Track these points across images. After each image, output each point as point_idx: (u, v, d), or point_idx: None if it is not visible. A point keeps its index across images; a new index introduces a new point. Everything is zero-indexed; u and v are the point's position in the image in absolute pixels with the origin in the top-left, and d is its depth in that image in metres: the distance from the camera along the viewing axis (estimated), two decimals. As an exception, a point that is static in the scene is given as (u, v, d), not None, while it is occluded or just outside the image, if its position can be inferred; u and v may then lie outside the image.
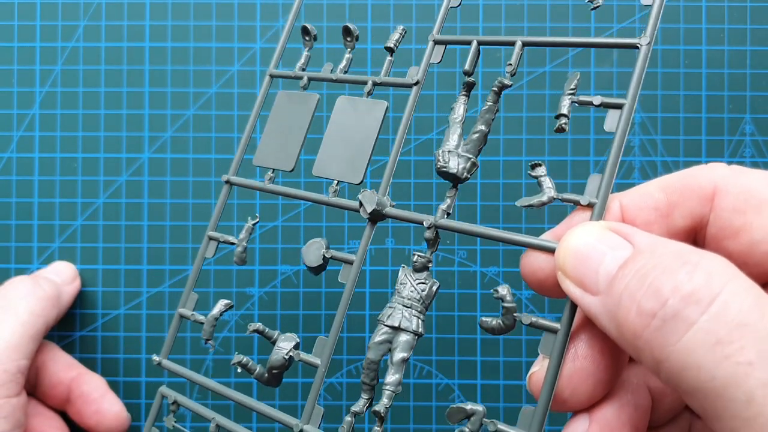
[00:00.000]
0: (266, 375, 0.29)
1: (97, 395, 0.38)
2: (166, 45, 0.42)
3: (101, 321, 0.41)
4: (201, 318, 0.31)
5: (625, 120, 0.26)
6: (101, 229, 0.41)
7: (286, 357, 0.29)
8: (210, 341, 0.31)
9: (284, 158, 0.32)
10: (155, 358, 0.32)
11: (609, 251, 0.21)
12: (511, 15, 0.42)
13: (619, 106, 0.27)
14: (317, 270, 0.29)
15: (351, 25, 0.32)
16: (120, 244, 0.41)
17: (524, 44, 0.28)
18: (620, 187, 0.41)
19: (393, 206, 0.28)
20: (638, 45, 0.27)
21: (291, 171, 0.31)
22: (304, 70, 0.33)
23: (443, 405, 0.32)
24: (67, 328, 0.41)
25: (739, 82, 0.41)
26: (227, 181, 0.33)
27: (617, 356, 0.23)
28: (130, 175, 0.41)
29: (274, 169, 0.32)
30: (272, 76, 0.34)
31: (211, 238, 0.32)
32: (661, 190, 0.24)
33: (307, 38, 0.33)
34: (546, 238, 0.25)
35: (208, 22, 0.42)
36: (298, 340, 0.29)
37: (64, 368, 0.38)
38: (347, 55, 0.32)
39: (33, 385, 0.38)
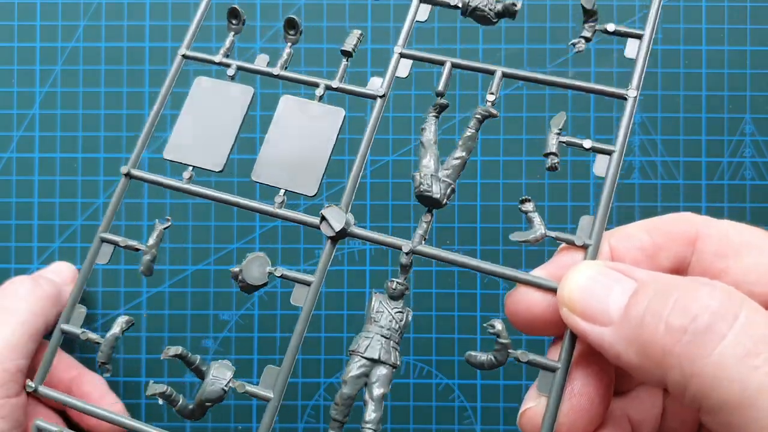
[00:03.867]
0: (192, 408, 0.25)
1: (97, 395, 0.38)
2: (166, 45, 0.42)
3: (101, 321, 0.41)
4: (94, 337, 0.27)
5: (615, 166, 0.26)
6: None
7: (225, 389, 0.25)
8: (107, 365, 0.27)
9: (209, 156, 0.28)
10: (30, 383, 0.27)
11: (616, 285, 0.22)
12: (511, 15, 0.42)
13: (609, 153, 0.27)
14: (255, 289, 0.27)
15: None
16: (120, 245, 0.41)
17: (504, 75, 0.28)
18: (621, 188, 0.41)
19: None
20: (626, 96, 0.27)
21: (220, 172, 0.28)
22: (227, 56, 0.30)
23: (443, 405, 0.32)
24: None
25: (739, 82, 0.41)
26: (127, 174, 0.29)
27: (609, 391, 0.24)
28: (130, 175, 0.41)
29: (194, 167, 0.29)
30: (185, 57, 0.30)
31: (103, 240, 0.29)
32: (647, 232, 0.25)
33: (234, 22, 0.30)
34: (539, 275, 0.25)
35: (208, 22, 0.42)
36: (233, 368, 0.26)
37: (64, 368, 0.38)
38: (287, 50, 0.30)
39: None
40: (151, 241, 0.28)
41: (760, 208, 0.41)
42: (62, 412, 0.38)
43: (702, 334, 0.20)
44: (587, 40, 0.28)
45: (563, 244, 0.25)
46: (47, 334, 0.38)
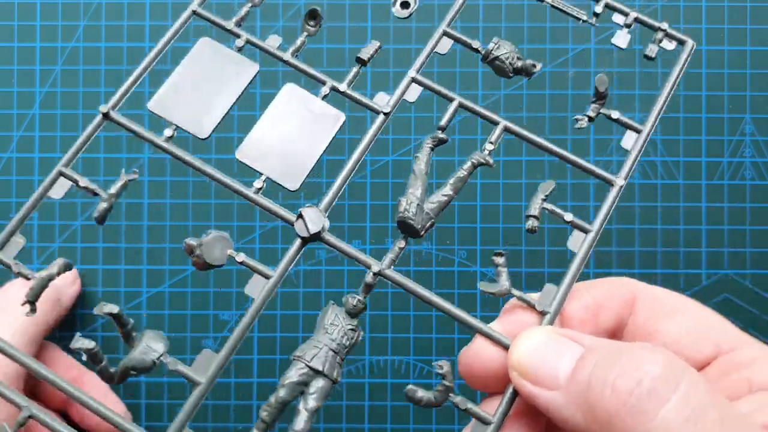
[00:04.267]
0: (113, 371, 0.24)
1: (98, 396, 0.38)
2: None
3: (101, 321, 0.41)
4: (26, 272, 0.25)
5: (588, 245, 0.27)
6: (101, 229, 0.41)
7: (156, 361, 0.24)
8: (33, 305, 0.25)
9: (196, 120, 0.27)
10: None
11: (564, 350, 0.23)
12: (511, 15, 0.42)
13: (586, 231, 0.27)
14: (209, 268, 0.26)
15: (318, 9, 0.29)
16: (120, 244, 0.41)
17: (505, 129, 0.28)
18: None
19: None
20: (613, 182, 0.28)
21: (204, 139, 0.27)
22: (240, 26, 0.29)
23: (443, 405, 0.32)
24: (67, 328, 0.41)
25: (739, 82, 0.41)
26: (105, 114, 0.27)
27: None
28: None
29: (177, 127, 0.27)
30: (195, 14, 0.29)
31: (62, 174, 0.27)
32: (590, 293, 0.27)
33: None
34: (497, 330, 0.26)
35: (208, 22, 0.42)
36: (167, 342, 0.24)
37: (64, 369, 0.38)
38: (301, 38, 0.29)
39: (33, 386, 0.38)
40: (112, 190, 0.26)
41: (760, 208, 0.41)
42: (64, 413, 0.38)
43: (646, 398, 0.21)
44: (590, 120, 0.29)
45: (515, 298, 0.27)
46: (47, 337, 0.38)
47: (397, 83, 0.28)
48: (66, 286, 0.39)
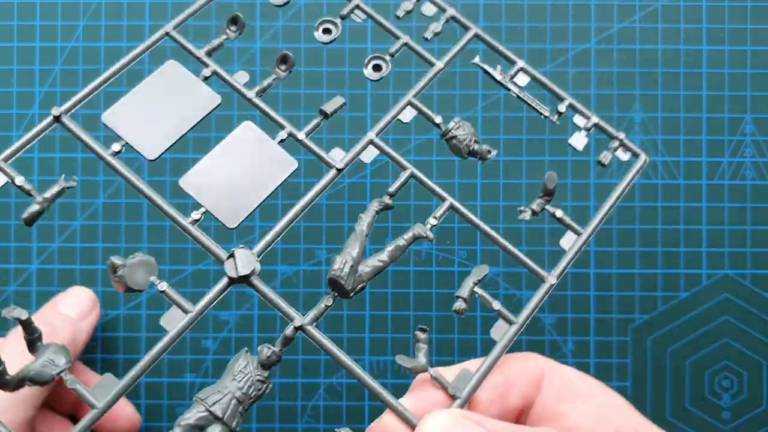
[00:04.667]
0: (9, 379, 0.23)
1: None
2: (166, 45, 0.42)
3: (101, 321, 0.41)
4: None
5: (511, 336, 0.27)
6: (101, 229, 0.41)
7: (55, 376, 0.23)
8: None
9: (148, 140, 0.27)
10: None
11: None
12: (511, 15, 0.42)
13: (511, 322, 0.27)
14: (130, 291, 0.25)
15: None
16: (120, 245, 0.41)
17: (451, 207, 0.29)
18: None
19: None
20: (545, 279, 0.28)
21: (152, 161, 0.27)
22: (210, 55, 0.29)
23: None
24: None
25: (740, 82, 0.41)
26: (57, 117, 0.27)
27: None
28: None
29: (126, 144, 0.27)
30: (168, 35, 0.29)
31: None
32: (502, 372, 0.27)
33: (232, 28, 0.30)
34: (407, 406, 0.26)
35: (207, 22, 0.42)
36: (70, 358, 0.24)
37: (74, 374, 0.37)
38: (269, 80, 0.29)
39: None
40: (46, 194, 0.26)
41: (761, 208, 0.41)
42: (73, 417, 0.38)
43: None
44: (534, 213, 0.29)
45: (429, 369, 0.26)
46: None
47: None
48: (82, 318, 0.36)
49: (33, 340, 0.23)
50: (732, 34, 0.41)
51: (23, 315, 0.23)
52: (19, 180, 0.26)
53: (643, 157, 0.30)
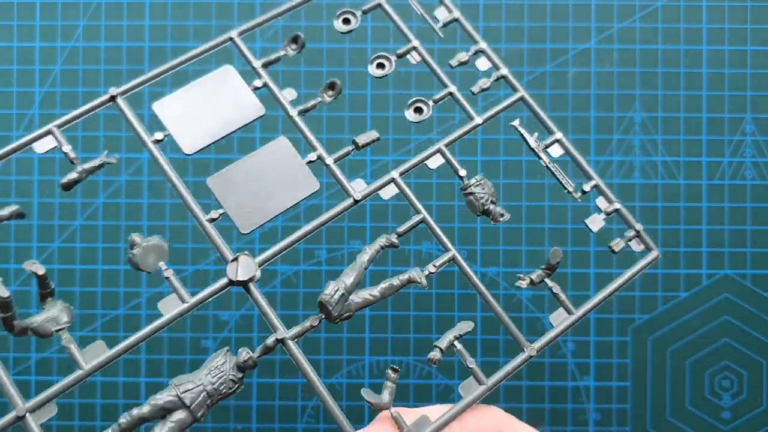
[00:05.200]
0: (15, 324, 0.25)
1: None
2: (166, 45, 0.42)
3: (101, 321, 0.41)
4: None
5: (477, 395, 0.27)
6: (101, 229, 0.41)
7: (54, 332, 0.25)
8: None
9: (188, 135, 0.28)
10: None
11: None
12: (511, 15, 0.42)
13: (481, 382, 0.28)
14: (139, 270, 0.27)
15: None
16: (119, 245, 0.41)
17: (452, 258, 0.29)
18: (621, 188, 0.41)
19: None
20: (525, 349, 0.28)
21: (187, 155, 0.28)
22: (265, 68, 0.30)
23: (443, 405, 0.32)
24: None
25: (740, 82, 0.41)
26: (113, 97, 0.29)
27: None
28: (130, 175, 0.41)
29: (169, 135, 0.28)
30: (232, 40, 0.31)
31: (51, 133, 0.28)
32: (460, 425, 0.27)
33: (293, 46, 0.31)
34: None
35: (208, 22, 0.42)
36: (73, 318, 0.26)
37: None
38: (314, 102, 0.30)
39: None
40: (87, 165, 0.28)
41: (761, 208, 0.41)
42: None
43: None
44: (532, 283, 0.29)
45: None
46: None
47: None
48: None
49: (44, 295, 0.25)
50: (732, 34, 0.41)
51: (40, 270, 0.25)
52: (66, 147, 0.28)
53: (655, 252, 0.30)
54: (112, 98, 0.29)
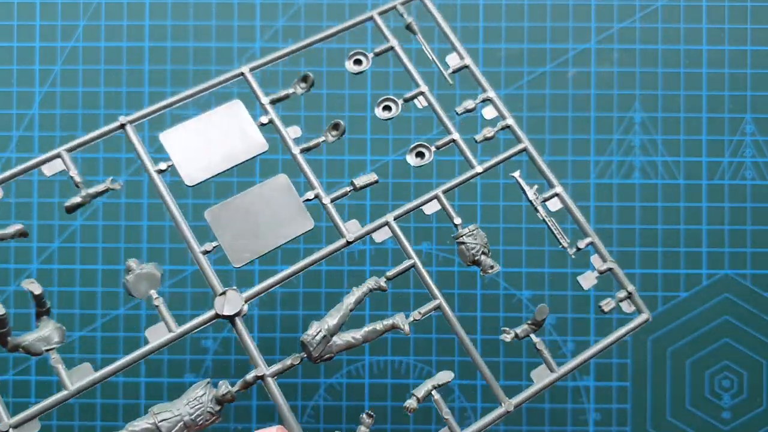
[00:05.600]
0: (10, 340, 0.26)
1: None
2: (166, 45, 0.42)
3: (101, 321, 0.41)
4: None
5: None
6: (101, 229, 0.41)
7: (44, 351, 0.26)
8: None
9: (191, 167, 0.29)
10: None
11: None
12: (511, 15, 0.42)
13: None
14: (130, 295, 0.27)
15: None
16: (120, 244, 0.41)
17: (438, 306, 0.30)
18: (621, 188, 0.41)
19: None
20: (503, 403, 0.29)
21: (189, 186, 0.29)
22: (273, 104, 0.31)
23: (449, 406, 0.32)
24: (67, 328, 0.41)
25: (740, 82, 0.41)
26: (122, 125, 0.29)
27: None
28: (130, 175, 0.41)
29: (171, 165, 0.29)
30: (243, 75, 0.31)
31: (60, 156, 0.29)
32: None
33: (302, 85, 0.31)
34: None
35: (208, 22, 0.42)
36: (64, 339, 0.27)
37: None
38: (317, 141, 0.30)
39: None
40: (91, 190, 0.28)
41: (761, 208, 0.41)
42: None
43: None
44: (517, 337, 0.30)
45: None
46: None
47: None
48: None
49: (40, 313, 0.26)
50: (732, 34, 0.41)
51: (37, 290, 0.26)
52: (73, 172, 0.28)
53: (645, 316, 0.30)
54: (122, 126, 0.29)
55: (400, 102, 0.32)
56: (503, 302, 0.41)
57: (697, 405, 0.41)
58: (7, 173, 0.29)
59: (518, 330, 0.29)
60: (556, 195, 0.31)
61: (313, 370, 0.41)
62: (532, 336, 0.29)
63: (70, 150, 0.29)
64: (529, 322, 0.29)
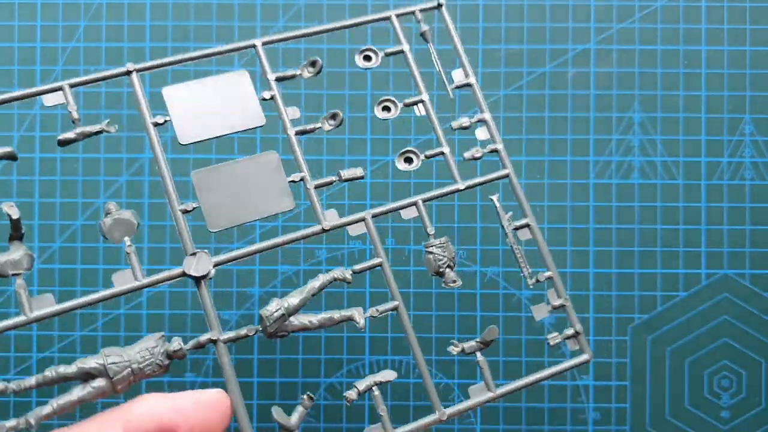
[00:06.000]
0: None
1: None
2: (167, 45, 0.42)
3: (101, 321, 0.41)
4: None
5: None
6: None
7: (10, 274, 0.27)
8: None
9: (187, 125, 0.29)
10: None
11: None
12: (510, 15, 0.42)
13: None
14: (104, 237, 0.28)
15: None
16: (121, 245, 0.41)
17: (396, 307, 0.30)
18: (620, 188, 0.41)
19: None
20: (436, 411, 0.30)
21: (182, 144, 0.30)
22: (278, 81, 0.31)
23: (443, 405, 0.32)
24: (68, 328, 0.41)
25: (739, 82, 0.41)
26: (129, 71, 0.30)
27: None
28: (131, 175, 0.42)
29: (169, 121, 0.29)
30: (254, 47, 0.31)
31: (61, 89, 0.29)
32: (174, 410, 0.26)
33: (310, 69, 0.32)
34: None
35: (208, 22, 0.42)
36: (32, 266, 0.27)
37: None
38: (313, 126, 0.31)
39: None
40: (86, 129, 0.29)
41: (760, 208, 0.41)
42: None
43: None
44: (463, 351, 0.31)
45: None
46: None
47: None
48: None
49: (13, 237, 0.27)
50: (731, 34, 0.42)
51: (15, 214, 0.26)
52: (72, 107, 0.29)
53: (586, 356, 0.31)
54: (128, 72, 0.30)
55: (400, 105, 0.32)
56: (503, 302, 0.41)
57: (696, 404, 0.41)
58: (7, 96, 0.29)
59: (465, 345, 0.31)
60: (527, 226, 0.32)
61: (313, 370, 0.41)
62: (477, 354, 0.30)
63: (72, 86, 0.29)
64: (478, 340, 0.31)
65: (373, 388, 0.29)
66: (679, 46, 0.42)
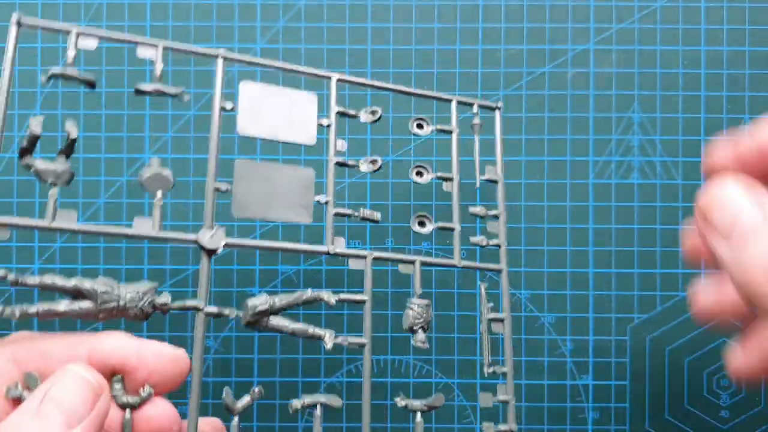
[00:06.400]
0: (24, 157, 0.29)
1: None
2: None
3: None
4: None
5: None
6: (102, 229, 0.41)
7: (48, 182, 0.29)
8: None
9: (249, 120, 0.32)
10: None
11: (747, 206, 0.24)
12: (511, 15, 0.42)
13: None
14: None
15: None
16: (121, 244, 0.41)
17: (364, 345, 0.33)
18: (619, 188, 0.41)
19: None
20: None
21: (238, 135, 0.32)
22: (339, 115, 0.33)
23: (443, 404, 0.32)
24: (71, 327, 0.41)
25: (738, 83, 0.41)
26: (218, 55, 0.33)
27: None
28: (131, 175, 0.42)
29: (234, 109, 0.32)
30: (330, 78, 0.34)
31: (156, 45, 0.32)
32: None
33: (370, 117, 0.34)
34: None
35: (209, 23, 0.42)
36: (71, 180, 0.29)
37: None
38: (354, 163, 0.34)
39: None
40: (172, 90, 0.31)
41: (759, 208, 0.41)
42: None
43: None
44: (407, 407, 0.33)
45: None
46: None
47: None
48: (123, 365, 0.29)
49: (63, 151, 0.29)
50: (730, 34, 0.42)
51: (74, 134, 0.29)
52: (159, 65, 0.31)
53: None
54: (217, 56, 0.32)
55: (432, 127, 0.36)
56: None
57: (696, 404, 0.41)
58: (106, 35, 0.31)
59: (412, 402, 0.32)
60: (502, 321, 0.35)
61: (313, 370, 0.41)
62: (418, 414, 0.32)
63: (166, 49, 0.32)
64: (425, 403, 0.32)
65: (317, 408, 0.31)
66: (679, 47, 0.42)
